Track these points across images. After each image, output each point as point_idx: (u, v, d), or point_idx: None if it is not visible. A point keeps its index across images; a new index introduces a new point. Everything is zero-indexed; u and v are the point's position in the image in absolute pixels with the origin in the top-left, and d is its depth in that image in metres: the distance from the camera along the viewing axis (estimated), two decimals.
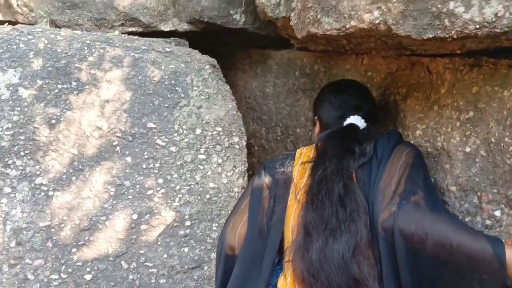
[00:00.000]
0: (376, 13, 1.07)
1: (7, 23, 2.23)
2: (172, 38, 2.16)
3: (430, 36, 1.01)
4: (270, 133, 2.26)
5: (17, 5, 2.34)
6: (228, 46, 2.47)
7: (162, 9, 2.26)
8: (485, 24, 0.93)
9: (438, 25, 1.00)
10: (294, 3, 1.58)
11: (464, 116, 1.20)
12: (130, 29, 2.27)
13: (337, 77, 1.87)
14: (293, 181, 1.25)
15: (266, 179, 1.31)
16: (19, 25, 1.94)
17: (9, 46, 1.69)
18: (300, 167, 1.27)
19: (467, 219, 1.16)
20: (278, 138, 2.22)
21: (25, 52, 1.68)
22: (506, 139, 1.07)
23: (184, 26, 2.25)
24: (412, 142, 1.35)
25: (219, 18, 2.15)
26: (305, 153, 1.33)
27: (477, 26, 0.94)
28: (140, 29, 2.27)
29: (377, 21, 1.08)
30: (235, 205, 1.36)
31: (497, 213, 1.10)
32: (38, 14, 2.33)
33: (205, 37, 2.32)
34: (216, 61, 1.98)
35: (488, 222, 1.10)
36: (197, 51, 2.02)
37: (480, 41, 1.03)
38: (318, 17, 1.19)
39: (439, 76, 1.30)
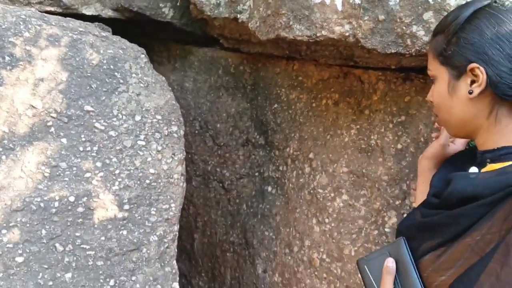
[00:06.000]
0: (347, 27, 1.25)
1: None
2: (97, 23, 2.12)
3: (393, 51, 1.22)
4: (188, 127, 2.33)
5: None
6: (146, 38, 2.48)
7: None
8: None
9: (400, 43, 1.21)
10: (243, 7, 1.71)
11: (396, 119, 1.44)
12: (49, 9, 2.18)
13: (265, 79, 2.02)
14: None
15: None
16: None
17: None
18: None
19: (397, 202, 1.39)
20: (196, 132, 2.30)
21: None
22: (433, 139, 1.33)
23: (108, 13, 2.22)
24: (346, 139, 1.56)
25: (149, 9, 2.18)
26: None
27: None
28: (60, 10, 2.19)
29: (346, 34, 1.26)
30: None
31: None
32: None
33: (124, 27, 2.31)
34: (145, 51, 2.00)
35: (414, 204, 1.35)
36: (125, 39, 2.02)
37: (416, 59, 1.27)
38: (290, 23, 1.33)
39: (371, 85, 1.53)
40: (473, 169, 0.95)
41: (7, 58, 1.58)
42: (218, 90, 2.23)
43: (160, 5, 2.21)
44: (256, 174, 2.01)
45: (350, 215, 1.51)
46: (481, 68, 0.90)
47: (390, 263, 0.95)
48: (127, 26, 2.30)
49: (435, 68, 0.99)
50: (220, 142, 2.18)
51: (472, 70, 0.91)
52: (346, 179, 1.55)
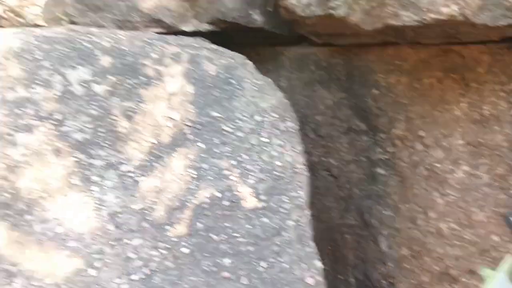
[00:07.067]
0: (454, 7, 1.38)
1: None
2: (198, 38, 2.32)
3: (504, 24, 1.34)
4: None
5: (3, 11, 2.39)
6: (235, 45, 2.67)
7: (182, 11, 2.41)
8: None
9: (509, 15, 1.34)
10: (336, 2, 1.85)
11: (507, 88, 1.55)
12: (154, 30, 2.40)
13: (359, 68, 2.16)
14: None
15: None
16: (71, 25, 2.01)
17: (73, 45, 1.79)
18: None
19: None
20: (298, 126, 2.46)
21: (92, 50, 1.79)
22: None
23: (205, 26, 2.43)
24: (457, 113, 1.67)
25: (241, 18, 2.36)
26: None
27: None
28: (164, 30, 2.41)
29: (455, 13, 1.39)
30: None
31: None
32: (53, 17, 2.38)
33: (216, 37, 2.51)
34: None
35: None
36: (227, 49, 2.21)
37: None
38: (397, 11, 1.47)
39: (474, 59, 1.64)
40: None
41: (142, 78, 1.80)
42: (312, 85, 2.38)
43: (250, 12, 2.38)
44: (363, 158, 2.15)
45: (474, 184, 1.62)
46: None
47: None
48: (214, 36, 2.50)
49: None
50: (322, 133, 2.33)
51: None
52: (464, 151, 1.67)
